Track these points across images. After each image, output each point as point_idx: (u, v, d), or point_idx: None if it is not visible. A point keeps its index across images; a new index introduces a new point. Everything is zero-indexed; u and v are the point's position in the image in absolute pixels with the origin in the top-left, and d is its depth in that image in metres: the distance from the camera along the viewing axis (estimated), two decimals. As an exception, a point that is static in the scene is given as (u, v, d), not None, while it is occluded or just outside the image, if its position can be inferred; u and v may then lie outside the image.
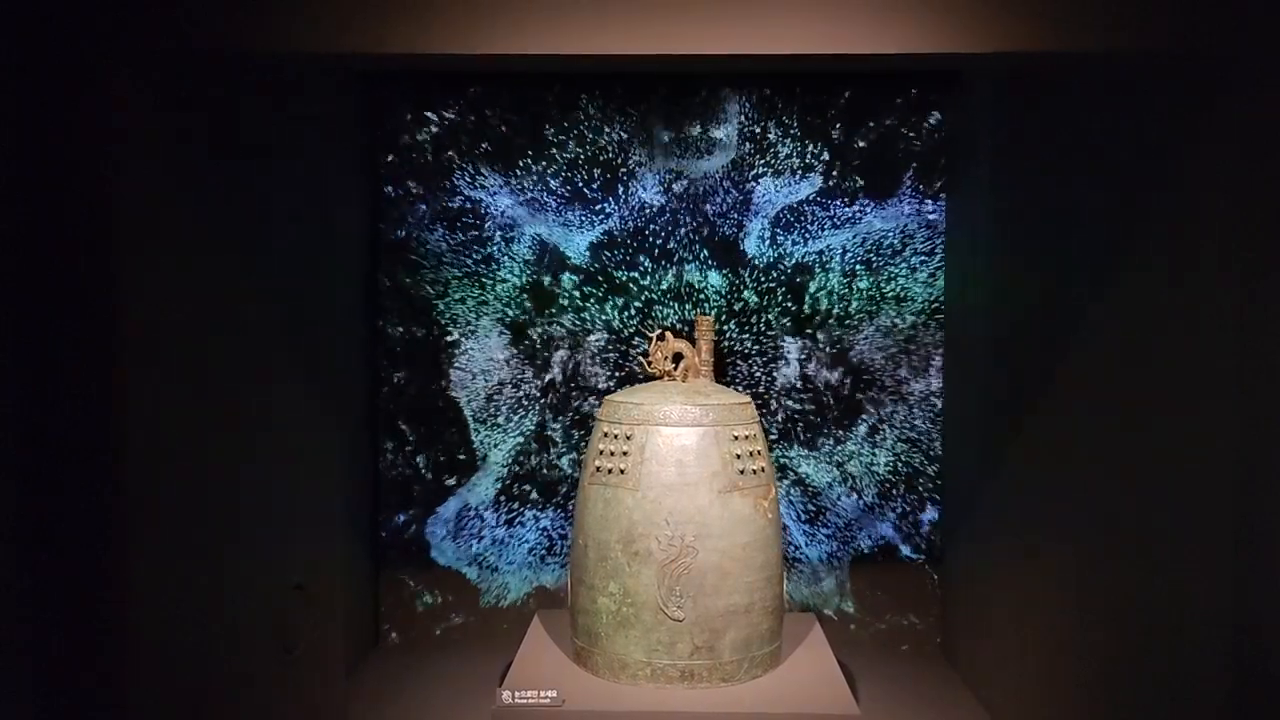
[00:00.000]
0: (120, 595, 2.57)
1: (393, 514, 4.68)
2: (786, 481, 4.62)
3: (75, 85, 2.49)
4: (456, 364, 4.62)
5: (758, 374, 4.62)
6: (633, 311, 4.61)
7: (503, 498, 4.69)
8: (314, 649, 3.46)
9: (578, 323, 4.62)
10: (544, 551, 4.71)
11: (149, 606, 2.64)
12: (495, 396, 4.65)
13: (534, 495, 4.68)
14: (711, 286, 4.59)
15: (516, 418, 4.66)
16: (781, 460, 4.61)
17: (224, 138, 3.01)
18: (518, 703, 3.36)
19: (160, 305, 2.67)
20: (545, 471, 4.68)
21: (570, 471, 4.65)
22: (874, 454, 4.64)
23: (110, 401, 2.54)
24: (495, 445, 4.67)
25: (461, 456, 4.67)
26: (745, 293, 4.59)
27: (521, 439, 4.67)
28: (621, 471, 3.50)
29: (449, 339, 4.61)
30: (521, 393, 4.65)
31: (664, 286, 4.59)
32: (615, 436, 3.57)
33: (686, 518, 3.41)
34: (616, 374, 4.62)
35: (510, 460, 4.68)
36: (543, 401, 4.66)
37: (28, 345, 2.45)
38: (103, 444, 2.54)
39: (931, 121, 4.52)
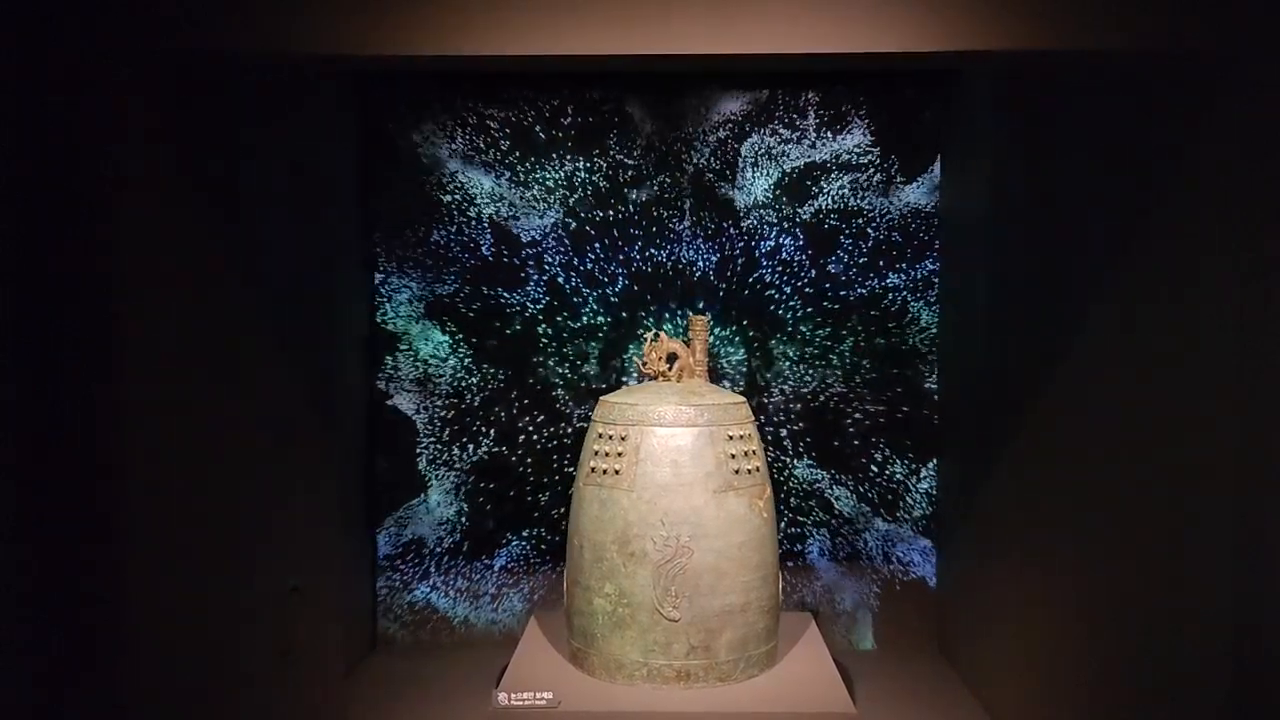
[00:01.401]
0: (119, 597, 2.57)
1: (389, 515, 4.66)
2: (784, 483, 4.62)
3: (75, 85, 2.49)
4: (455, 365, 4.61)
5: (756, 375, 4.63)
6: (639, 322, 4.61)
7: (497, 497, 4.68)
8: (312, 651, 3.46)
9: (575, 323, 4.62)
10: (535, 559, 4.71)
11: (147, 608, 2.63)
12: (490, 399, 4.64)
13: (528, 496, 4.68)
14: (707, 280, 4.60)
15: (512, 421, 4.66)
16: (780, 458, 4.61)
17: (223, 138, 3.00)
18: (514, 704, 3.36)
19: (158, 306, 2.67)
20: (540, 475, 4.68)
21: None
22: (873, 452, 4.64)
23: (109, 402, 2.54)
24: (494, 447, 4.66)
25: (458, 457, 4.66)
26: (739, 293, 4.59)
27: (518, 442, 4.67)
28: (616, 472, 3.50)
29: (446, 340, 4.60)
30: (518, 394, 4.64)
31: (658, 285, 4.60)
32: (610, 437, 3.57)
33: (682, 518, 3.41)
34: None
35: (509, 460, 4.67)
36: (529, 413, 4.68)
37: (28, 345, 2.44)
38: (101, 445, 2.54)
39: (930, 120, 4.52)
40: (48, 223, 2.47)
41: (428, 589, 4.68)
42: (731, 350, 4.60)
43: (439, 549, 4.66)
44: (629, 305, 4.59)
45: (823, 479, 4.64)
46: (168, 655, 2.71)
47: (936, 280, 4.57)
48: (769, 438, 4.61)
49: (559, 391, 4.65)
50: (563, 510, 4.58)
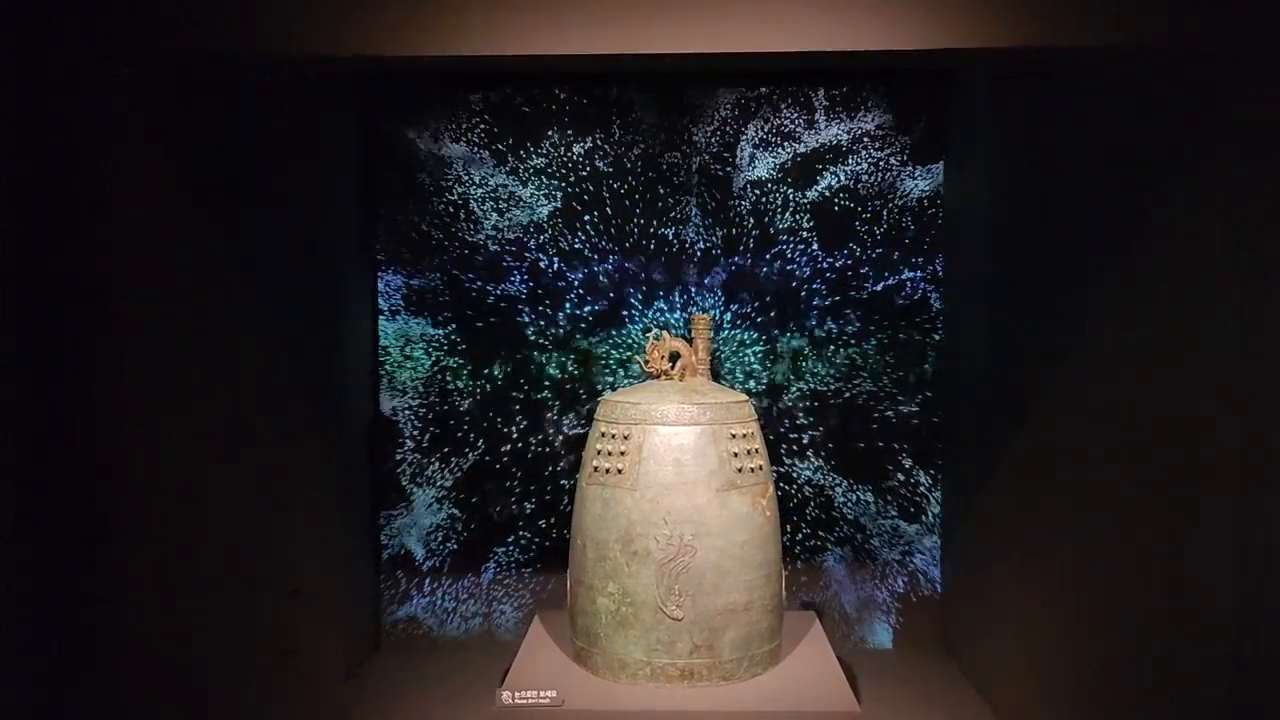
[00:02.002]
0: (119, 597, 2.57)
1: (393, 515, 4.67)
2: (788, 483, 4.61)
3: (75, 85, 2.49)
4: (455, 366, 4.61)
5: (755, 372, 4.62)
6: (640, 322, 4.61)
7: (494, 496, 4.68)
8: (313, 652, 3.46)
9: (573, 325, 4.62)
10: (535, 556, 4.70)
11: (147, 609, 2.64)
12: (490, 401, 4.64)
13: (532, 498, 4.68)
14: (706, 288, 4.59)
15: (511, 423, 4.66)
16: (784, 459, 4.61)
17: (222, 138, 3.01)
18: (518, 703, 3.36)
19: (158, 306, 2.68)
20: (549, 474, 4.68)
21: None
22: (875, 450, 4.64)
23: (109, 402, 2.54)
24: (497, 447, 4.66)
25: (460, 456, 4.65)
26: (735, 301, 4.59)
27: (521, 442, 4.67)
28: (619, 471, 3.50)
29: (446, 340, 4.60)
30: (520, 397, 4.64)
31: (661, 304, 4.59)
32: (613, 436, 3.56)
33: (685, 517, 3.41)
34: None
35: (513, 461, 4.67)
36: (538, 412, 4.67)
37: (28, 345, 2.45)
38: (101, 445, 2.54)
39: (929, 119, 4.51)
40: (48, 223, 2.48)
41: (421, 597, 4.68)
42: (739, 347, 4.60)
43: (437, 551, 4.65)
44: (632, 301, 4.59)
45: (836, 477, 4.63)
46: (168, 656, 2.71)
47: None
48: (790, 438, 4.61)
49: (549, 394, 4.64)
50: (551, 518, 4.61)
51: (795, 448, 4.62)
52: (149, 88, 2.64)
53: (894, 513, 4.63)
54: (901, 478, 4.61)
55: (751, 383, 4.59)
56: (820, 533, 4.63)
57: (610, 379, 4.59)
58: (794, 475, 4.62)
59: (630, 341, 4.58)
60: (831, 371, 4.59)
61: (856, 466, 4.62)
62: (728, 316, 4.58)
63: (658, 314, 4.57)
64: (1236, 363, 2.43)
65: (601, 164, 4.55)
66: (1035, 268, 3.54)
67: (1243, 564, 2.43)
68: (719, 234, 4.56)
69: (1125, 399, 2.92)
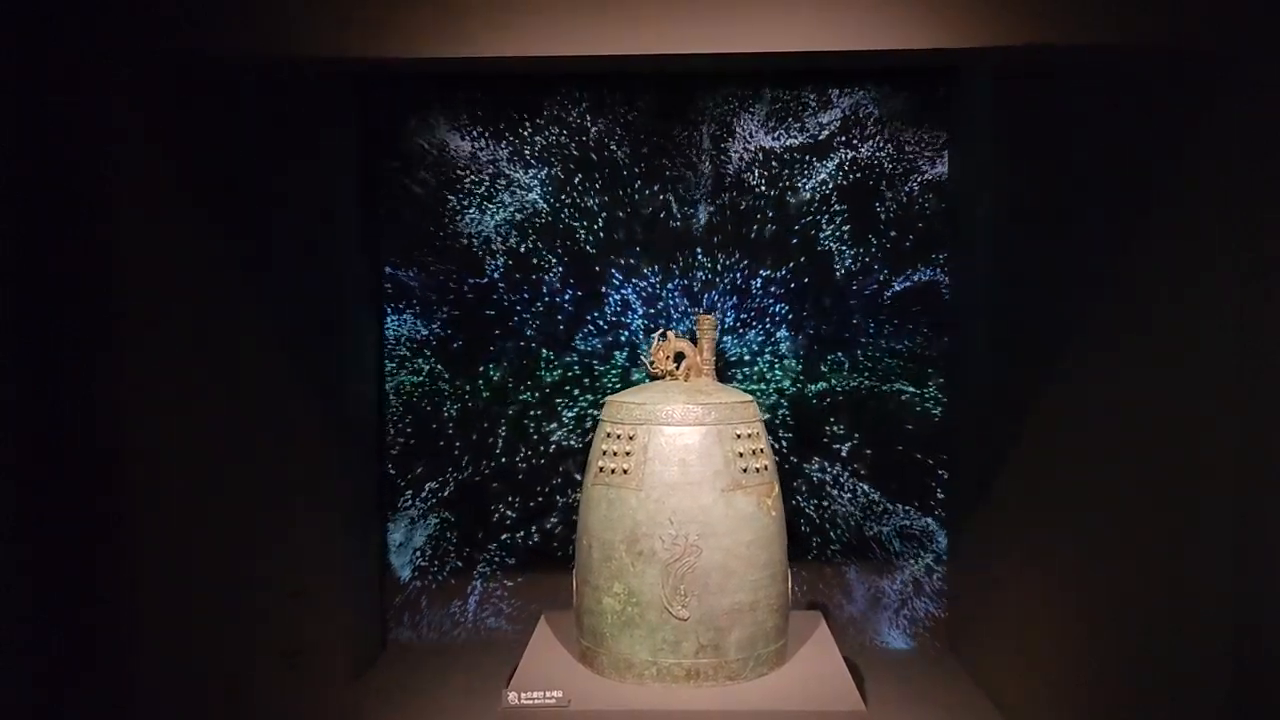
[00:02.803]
0: (119, 597, 2.58)
1: (397, 516, 4.67)
2: (797, 483, 4.61)
3: (75, 85, 2.50)
4: (458, 367, 4.61)
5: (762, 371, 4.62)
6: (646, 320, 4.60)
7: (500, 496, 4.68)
8: (318, 654, 3.46)
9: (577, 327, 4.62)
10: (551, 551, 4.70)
11: (148, 609, 2.65)
12: (494, 404, 4.64)
13: (535, 495, 4.68)
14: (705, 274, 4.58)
15: (511, 426, 4.65)
16: (789, 459, 4.60)
17: (222, 138, 3.01)
18: (524, 703, 3.35)
19: (160, 306, 2.68)
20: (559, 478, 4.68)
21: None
22: (878, 450, 4.63)
23: (110, 403, 2.55)
24: (501, 449, 4.66)
25: (463, 459, 4.66)
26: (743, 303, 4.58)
27: (524, 442, 4.67)
28: (625, 471, 3.49)
29: (449, 341, 4.60)
30: (522, 399, 4.64)
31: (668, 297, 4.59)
32: (618, 437, 3.56)
33: (690, 517, 3.40)
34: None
35: (515, 462, 4.67)
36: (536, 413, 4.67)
37: (28, 345, 2.45)
38: (103, 446, 2.55)
39: (931, 117, 4.50)
40: (48, 223, 2.49)
41: (426, 599, 4.69)
42: (754, 348, 4.60)
43: (440, 553, 4.66)
44: (639, 306, 4.59)
45: (836, 471, 4.63)
46: (169, 656, 2.72)
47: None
48: (785, 436, 4.61)
49: (551, 393, 4.64)
50: (553, 519, 4.62)
51: (784, 444, 4.62)
52: (149, 88, 2.65)
53: (901, 510, 4.62)
54: (909, 474, 4.61)
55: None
56: (826, 531, 4.63)
57: (617, 382, 4.60)
58: (793, 471, 4.62)
59: (634, 341, 4.59)
60: (841, 371, 4.59)
61: (858, 462, 4.62)
62: (731, 316, 4.58)
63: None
64: (1236, 363, 2.43)
65: (603, 161, 4.55)
66: (1035, 267, 3.53)
67: (1243, 564, 2.42)
68: (720, 234, 4.56)
69: (1125, 399, 2.91)
